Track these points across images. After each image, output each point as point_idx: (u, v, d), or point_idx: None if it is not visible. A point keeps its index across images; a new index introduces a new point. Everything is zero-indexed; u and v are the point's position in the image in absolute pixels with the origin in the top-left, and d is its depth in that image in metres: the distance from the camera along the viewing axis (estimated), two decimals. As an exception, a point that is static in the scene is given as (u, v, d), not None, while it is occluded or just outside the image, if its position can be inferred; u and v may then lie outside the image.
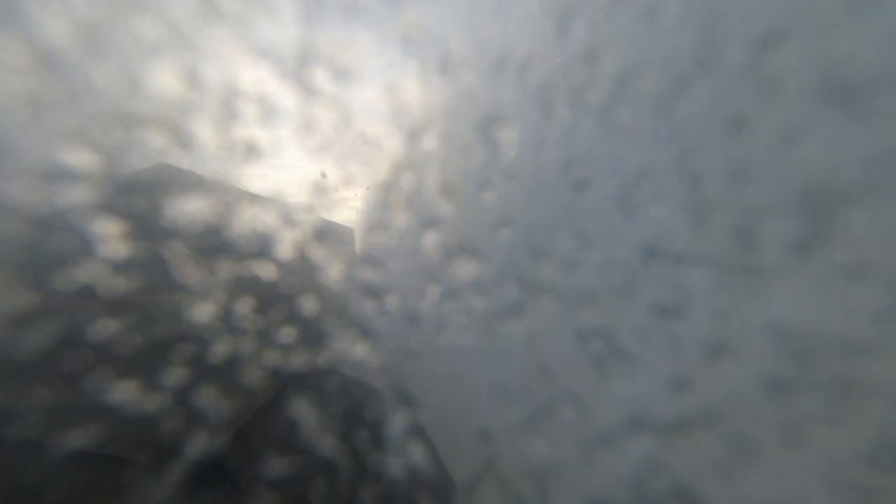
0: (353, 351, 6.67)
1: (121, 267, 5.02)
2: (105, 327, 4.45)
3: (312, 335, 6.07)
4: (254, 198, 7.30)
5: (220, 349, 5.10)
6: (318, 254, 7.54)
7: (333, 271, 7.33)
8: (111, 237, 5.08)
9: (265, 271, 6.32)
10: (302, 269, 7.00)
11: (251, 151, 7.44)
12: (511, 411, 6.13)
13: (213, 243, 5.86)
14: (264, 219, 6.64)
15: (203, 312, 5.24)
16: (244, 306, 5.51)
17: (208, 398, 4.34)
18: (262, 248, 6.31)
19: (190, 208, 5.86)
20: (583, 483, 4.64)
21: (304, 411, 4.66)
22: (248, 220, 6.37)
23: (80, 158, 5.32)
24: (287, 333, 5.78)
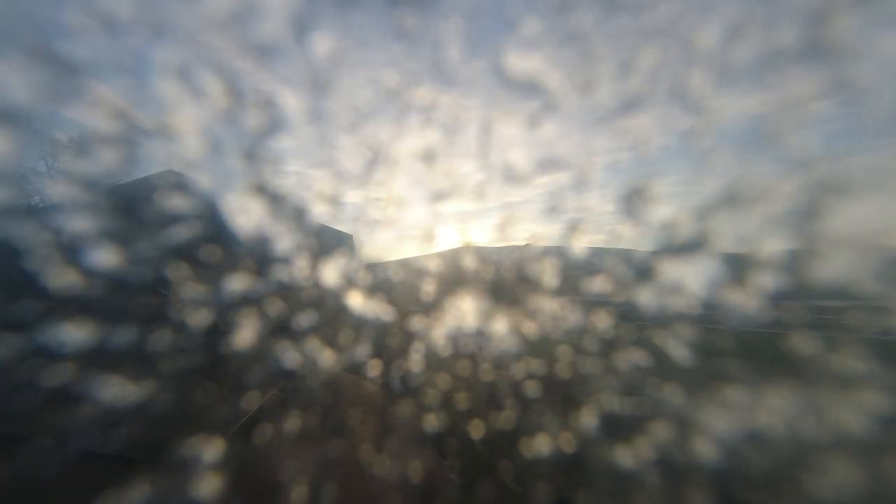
0: (355, 352, 6.68)
1: (119, 268, 5.05)
2: (99, 329, 4.47)
3: (317, 336, 6.09)
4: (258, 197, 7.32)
5: (220, 350, 5.12)
6: (319, 256, 7.56)
7: (334, 272, 7.36)
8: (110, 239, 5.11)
9: (268, 272, 6.35)
10: (304, 271, 7.03)
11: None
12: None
13: (216, 243, 5.90)
14: (266, 218, 6.67)
15: (201, 313, 5.27)
16: (244, 307, 5.53)
17: (210, 399, 4.35)
18: (264, 248, 6.35)
19: (189, 208, 5.91)
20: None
21: (303, 412, 4.66)
22: (251, 219, 6.41)
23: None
24: (288, 334, 5.80)
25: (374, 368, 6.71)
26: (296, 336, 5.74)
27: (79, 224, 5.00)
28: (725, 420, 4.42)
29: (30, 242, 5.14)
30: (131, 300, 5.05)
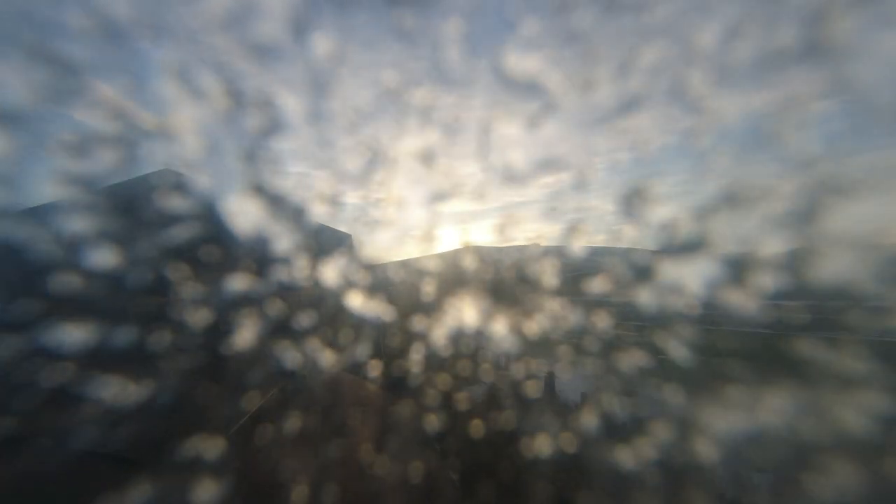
0: (355, 352, 6.67)
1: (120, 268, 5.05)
2: (95, 328, 4.47)
3: (317, 336, 6.08)
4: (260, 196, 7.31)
5: (220, 350, 5.11)
6: (319, 256, 7.56)
7: (334, 272, 7.35)
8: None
9: (268, 270, 6.34)
10: (304, 271, 7.02)
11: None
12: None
13: (216, 243, 5.89)
14: (266, 217, 6.65)
15: (201, 314, 5.26)
16: (245, 307, 5.52)
17: (210, 399, 4.35)
18: (262, 246, 6.33)
19: (187, 207, 5.90)
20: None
21: (303, 412, 4.66)
22: (252, 219, 6.40)
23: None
24: (288, 334, 5.79)
25: (374, 368, 6.70)
26: (296, 336, 5.73)
27: (77, 224, 5.00)
28: (724, 420, 4.42)
29: (29, 242, 5.14)
30: (130, 300, 5.05)
